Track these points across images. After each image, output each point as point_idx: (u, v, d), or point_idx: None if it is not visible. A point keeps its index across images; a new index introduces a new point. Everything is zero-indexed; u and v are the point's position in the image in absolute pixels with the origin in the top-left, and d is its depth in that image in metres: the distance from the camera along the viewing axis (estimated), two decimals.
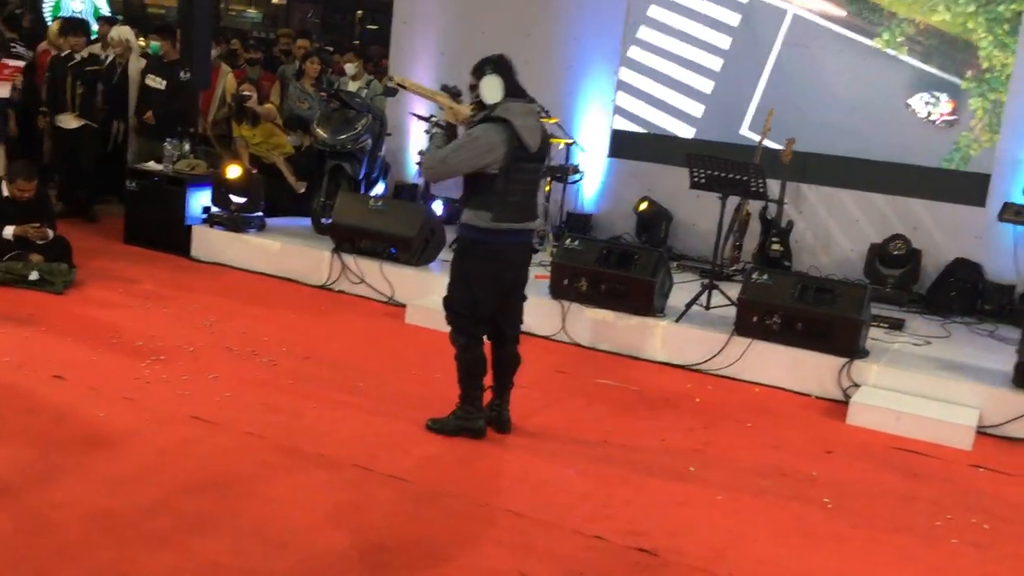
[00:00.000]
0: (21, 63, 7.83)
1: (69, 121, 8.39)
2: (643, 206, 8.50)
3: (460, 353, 4.56)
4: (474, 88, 4.53)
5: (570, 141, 8.33)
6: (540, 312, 6.52)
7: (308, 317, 6.45)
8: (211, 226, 7.71)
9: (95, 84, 8.47)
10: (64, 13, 14.02)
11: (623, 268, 6.36)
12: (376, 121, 8.13)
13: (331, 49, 12.23)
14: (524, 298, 4.77)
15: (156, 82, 8.49)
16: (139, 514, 3.49)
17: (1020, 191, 6.72)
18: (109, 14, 14.59)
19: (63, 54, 8.41)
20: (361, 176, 8.03)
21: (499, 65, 4.50)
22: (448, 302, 4.57)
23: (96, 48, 9.00)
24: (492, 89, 4.45)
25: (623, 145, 8.93)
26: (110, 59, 8.86)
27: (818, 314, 5.84)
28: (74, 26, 8.73)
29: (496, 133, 4.36)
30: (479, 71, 4.50)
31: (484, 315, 4.53)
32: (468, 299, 4.49)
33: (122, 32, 9.13)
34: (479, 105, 4.50)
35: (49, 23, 10.47)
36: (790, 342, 5.89)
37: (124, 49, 8.91)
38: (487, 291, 4.49)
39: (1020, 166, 7.43)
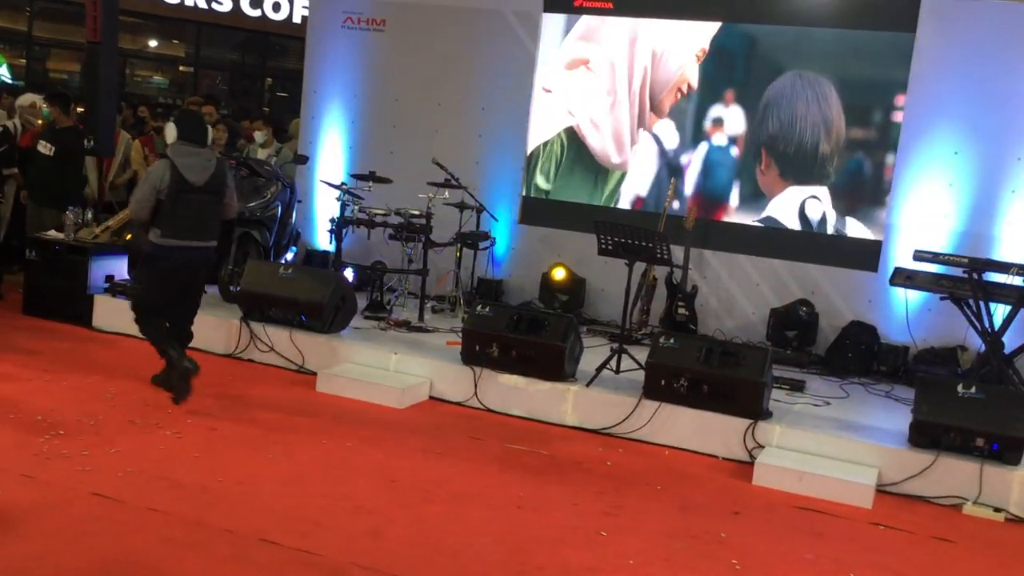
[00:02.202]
0: None
1: None
2: (559, 274, 8.62)
3: (147, 335, 5.97)
4: None
5: (479, 207, 8.46)
6: (452, 378, 6.55)
7: (216, 386, 6.33)
8: (114, 295, 7.54)
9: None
10: None
11: (534, 334, 6.44)
12: (286, 188, 8.13)
13: (238, 116, 12.19)
14: (197, 297, 6.24)
15: (46, 148, 8.27)
16: None
17: (910, 256, 7.05)
18: (9, 81, 14.34)
19: None
20: (271, 243, 7.99)
21: (179, 116, 6.10)
22: (134, 301, 6.09)
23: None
24: (168, 134, 5.84)
25: (532, 211, 9.08)
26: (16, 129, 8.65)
27: (723, 377, 5.99)
28: None
29: (160, 168, 5.75)
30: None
31: (158, 308, 5.93)
32: (146, 297, 5.94)
33: (28, 99, 8.95)
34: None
35: None
36: (697, 404, 6.02)
37: (34, 115, 8.70)
38: (159, 290, 5.89)
39: (908, 232, 7.80)
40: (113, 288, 7.57)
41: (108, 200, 8.98)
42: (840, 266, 8.07)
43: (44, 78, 16.57)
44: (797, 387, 6.90)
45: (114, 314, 7.48)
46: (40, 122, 8.66)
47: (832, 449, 5.76)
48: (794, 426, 5.96)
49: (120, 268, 7.73)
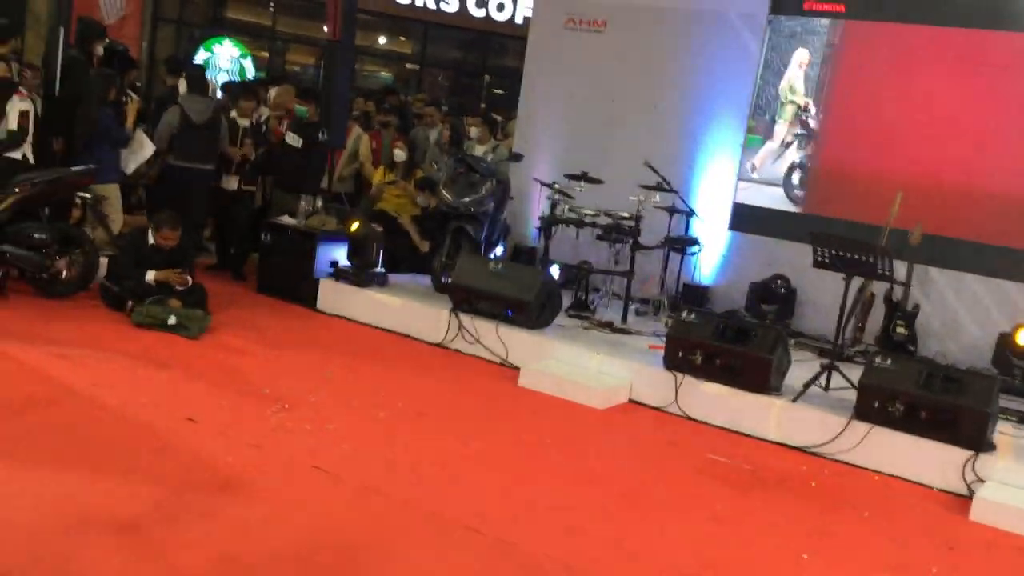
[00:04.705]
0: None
1: (230, 183, 8.63)
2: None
3: None
4: None
5: (688, 211, 8.37)
6: (653, 382, 6.52)
7: (424, 374, 6.60)
8: (337, 280, 8.00)
9: (258, 149, 8.82)
10: (211, 72, 14.90)
11: (740, 343, 6.31)
12: (500, 185, 8.34)
13: (458, 112, 12.58)
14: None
15: (294, 140, 8.84)
16: (263, 561, 3.62)
17: None
18: (253, 75, 15.42)
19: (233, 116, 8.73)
20: (482, 238, 8.22)
21: (189, 75, 8.66)
22: None
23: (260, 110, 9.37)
24: (180, 87, 8.44)
25: (745, 218, 8.89)
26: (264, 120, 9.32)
27: (944, 403, 5.66)
28: (245, 90, 9.15)
29: (171, 114, 8.16)
30: None
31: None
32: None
33: (284, 94, 9.58)
34: None
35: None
36: (912, 430, 5.72)
37: (283, 112, 9.33)
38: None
39: None
40: (337, 273, 8.03)
41: (336, 191, 9.51)
42: None
43: (282, 71, 17.73)
44: None
45: (336, 297, 7.94)
46: (288, 114, 9.25)
47: None
48: (1020, 461, 5.55)
49: (343, 254, 8.16)
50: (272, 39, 17.81)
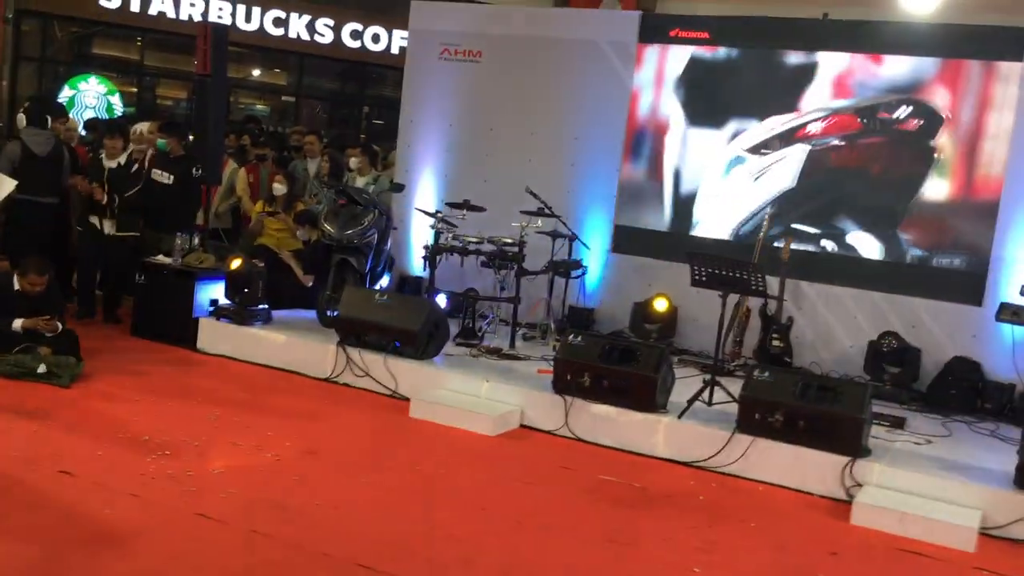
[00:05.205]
0: None
1: (106, 227, 8.31)
2: (661, 305, 8.58)
3: None
4: None
5: (571, 236, 8.49)
6: (543, 406, 6.57)
7: (313, 410, 6.49)
8: (218, 319, 7.80)
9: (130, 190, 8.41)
10: (77, 110, 14.40)
11: (626, 363, 6.42)
12: (382, 216, 8.30)
13: (337, 143, 12.46)
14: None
15: (163, 177, 8.54)
16: None
17: (1018, 291, 6.82)
18: (121, 111, 14.97)
19: (100, 156, 8.41)
20: (367, 270, 8.16)
21: (27, 108, 8.35)
22: None
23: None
24: (19, 121, 8.20)
25: (625, 240, 9.08)
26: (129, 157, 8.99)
27: (820, 412, 5.87)
28: (111, 128, 8.76)
29: (11, 146, 8.07)
30: None
31: None
32: None
33: (146, 127, 9.31)
34: None
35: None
36: (793, 440, 5.91)
37: (148, 145, 9.05)
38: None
39: (1015, 265, 7.55)
40: (217, 311, 7.83)
41: (213, 227, 9.29)
42: (942, 299, 7.86)
43: (153, 105, 17.27)
44: (898, 424, 6.71)
45: (217, 336, 7.74)
46: (152, 151, 8.99)
47: (934, 489, 5.58)
48: (895, 465, 5.80)
49: (223, 292, 7.96)
50: (140, 74, 17.34)
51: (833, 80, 8.30)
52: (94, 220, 8.35)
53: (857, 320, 8.15)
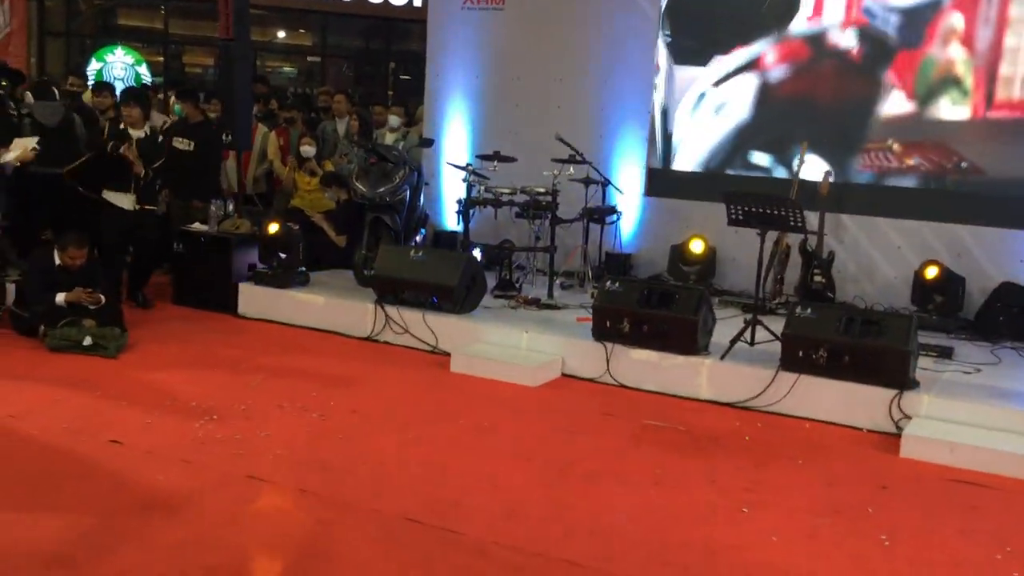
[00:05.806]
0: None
1: (122, 201, 7.69)
2: (697, 246, 8.49)
3: None
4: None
5: (604, 181, 8.40)
6: (584, 354, 6.55)
7: (354, 370, 6.53)
8: (256, 283, 7.85)
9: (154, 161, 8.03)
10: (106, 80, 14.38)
11: (665, 308, 6.37)
12: (413, 172, 8.26)
13: (365, 102, 12.42)
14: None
15: (183, 144, 8.50)
16: None
17: None
18: (149, 81, 15.00)
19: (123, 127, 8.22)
20: (401, 227, 8.15)
21: (34, 84, 8.52)
22: None
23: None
24: (27, 97, 8.14)
25: (659, 183, 8.97)
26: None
27: (865, 346, 5.79)
28: (129, 97, 8.24)
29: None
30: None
31: None
32: None
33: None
34: None
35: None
36: (838, 376, 5.84)
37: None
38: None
39: None
40: (256, 276, 7.87)
41: (249, 193, 9.31)
42: (987, 225, 7.68)
43: (180, 74, 17.30)
44: (945, 354, 6.61)
45: (257, 301, 7.80)
46: (170, 118, 8.97)
47: (984, 418, 5.51)
48: (943, 395, 5.72)
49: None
50: (166, 43, 17.36)
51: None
52: (110, 196, 7.63)
53: (901, 251, 8.01)
